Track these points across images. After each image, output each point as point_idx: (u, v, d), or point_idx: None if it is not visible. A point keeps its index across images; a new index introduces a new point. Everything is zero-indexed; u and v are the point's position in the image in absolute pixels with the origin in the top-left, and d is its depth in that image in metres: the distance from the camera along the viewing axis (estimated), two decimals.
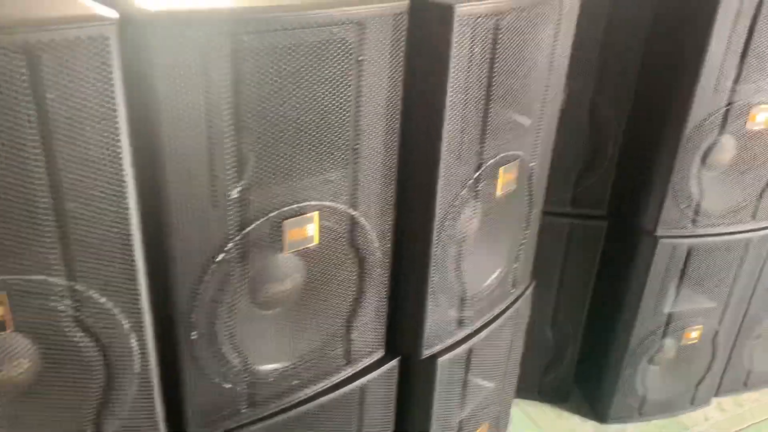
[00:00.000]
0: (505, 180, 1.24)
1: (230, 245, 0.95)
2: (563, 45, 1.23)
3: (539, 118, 1.26)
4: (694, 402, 2.14)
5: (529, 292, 1.52)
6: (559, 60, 1.24)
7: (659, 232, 1.78)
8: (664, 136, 1.72)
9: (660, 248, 1.80)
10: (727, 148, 1.73)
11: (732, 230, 1.84)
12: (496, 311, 1.40)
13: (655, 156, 1.75)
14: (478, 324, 1.36)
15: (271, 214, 0.96)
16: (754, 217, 1.84)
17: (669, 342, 1.99)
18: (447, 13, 0.99)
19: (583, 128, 1.76)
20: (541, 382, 2.14)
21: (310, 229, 1.01)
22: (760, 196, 1.81)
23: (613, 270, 1.98)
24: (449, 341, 1.31)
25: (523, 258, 1.44)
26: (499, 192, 1.23)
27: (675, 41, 1.67)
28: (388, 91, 1.02)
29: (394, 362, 1.26)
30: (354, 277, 1.12)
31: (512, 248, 1.38)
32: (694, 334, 1.99)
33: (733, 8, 1.51)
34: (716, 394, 2.22)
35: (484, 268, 1.32)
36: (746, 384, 2.25)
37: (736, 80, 1.62)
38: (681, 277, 1.89)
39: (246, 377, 1.06)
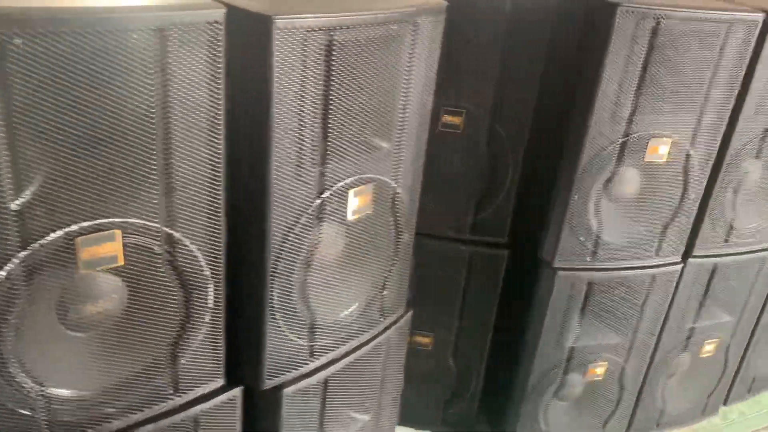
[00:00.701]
0: (359, 204, 1.17)
1: (12, 263, 0.87)
2: (422, 67, 1.17)
3: (398, 141, 1.20)
4: None
5: (403, 321, 1.45)
6: (419, 82, 1.19)
7: (557, 263, 1.73)
8: (561, 166, 1.66)
9: (558, 280, 1.74)
10: (629, 180, 1.68)
11: (635, 264, 1.78)
12: (360, 341, 1.33)
13: (553, 185, 1.70)
14: (336, 354, 1.29)
15: (61, 231, 0.89)
16: (658, 252, 1.79)
17: (574, 377, 1.93)
18: (266, 24, 0.93)
19: (482, 154, 1.71)
20: (445, 413, 2.07)
21: (110, 248, 0.93)
22: (665, 230, 1.76)
23: (516, 300, 1.92)
24: (298, 371, 1.23)
25: (394, 286, 1.37)
26: (351, 216, 1.17)
27: (571, 69, 1.63)
28: (208, 105, 0.95)
29: (235, 392, 1.18)
30: (177, 301, 1.04)
31: (378, 275, 1.32)
32: (599, 370, 1.93)
33: (627, 36, 1.46)
34: None
35: (341, 296, 1.26)
36: (659, 425, 2.19)
37: (633, 111, 1.57)
38: (582, 311, 1.83)
39: (45, 403, 0.98)
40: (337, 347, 1.29)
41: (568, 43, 1.65)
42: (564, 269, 1.73)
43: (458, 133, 1.69)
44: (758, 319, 2.18)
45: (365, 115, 1.11)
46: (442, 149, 1.72)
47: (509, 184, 1.74)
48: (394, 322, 1.43)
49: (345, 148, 1.11)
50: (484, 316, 1.91)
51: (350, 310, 1.29)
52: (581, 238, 1.70)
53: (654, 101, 1.57)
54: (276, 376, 1.22)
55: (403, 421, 2.08)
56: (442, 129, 1.69)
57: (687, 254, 1.87)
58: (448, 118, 1.68)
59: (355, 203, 1.18)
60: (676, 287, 1.90)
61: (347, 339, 1.30)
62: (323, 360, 1.27)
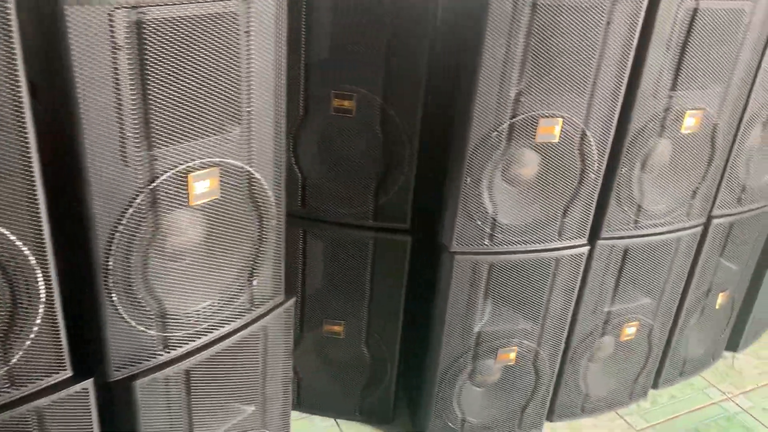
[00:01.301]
0: (202, 189, 1.14)
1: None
2: (265, 48, 1.13)
3: (248, 123, 1.17)
4: (522, 427, 2.05)
5: (283, 309, 1.42)
6: (263, 64, 1.15)
7: (455, 248, 1.70)
8: (453, 149, 1.63)
9: (457, 265, 1.72)
10: (523, 161, 1.65)
11: (537, 248, 1.75)
12: (226, 331, 1.30)
13: (447, 169, 1.66)
14: (195, 345, 1.26)
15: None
16: (561, 235, 1.76)
17: (485, 363, 1.90)
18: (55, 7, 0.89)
19: (377, 138, 1.67)
20: (362, 401, 2.05)
21: None
22: (565, 212, 1.73)
23: (422, 286, 1.89)
24: (151, 363, 1.20)
25: (266, 274, 1.34)
26: (193, 201, 1.13)
27: (457, 49, 1.60)
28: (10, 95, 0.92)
29: (84, 384, 1.16)
30: (3, 295, 1.01)
31: (243, 263, 1.28)
32: (511, 356, 1.90)
33: (505, 16, 1.43)
34: (549, 419, 2.13)
35: (196, 285, 1.22)
36: (583, 409, 2.17)
37: (520, 92, 1.53)
38: (486, 296, 1.80)
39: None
40: (198, 338, 1.26)
41: (455, 23, 1.62)
42: (462, 253, 1.71)
43: (351, 117, 1.66)
44: (682, 300, 2.15)
45: (197, 97, 1.07)
46: (336, 134, 1.69)
47: (407, 169, 1.71)
48: (270, 310, 1.39)
49: (179, 132, 1.08)
50: (392, 303, 1.89)
51: (210, 300, 1.25)
52: (478, 222, 1.67)
53: (541, 81, 1.54)
54: (125, 368, 1.19)
55: (321, 410, 2.06)
56: (334, 113, 1.65)
57: (595, 236, 1.84)
58: (338, 102, 1.64)
59: (202, 188, 1.14)
60: (586, 270, 1.87)
61: (209, 330, 1.27)
62: (180, 351, 1.24)
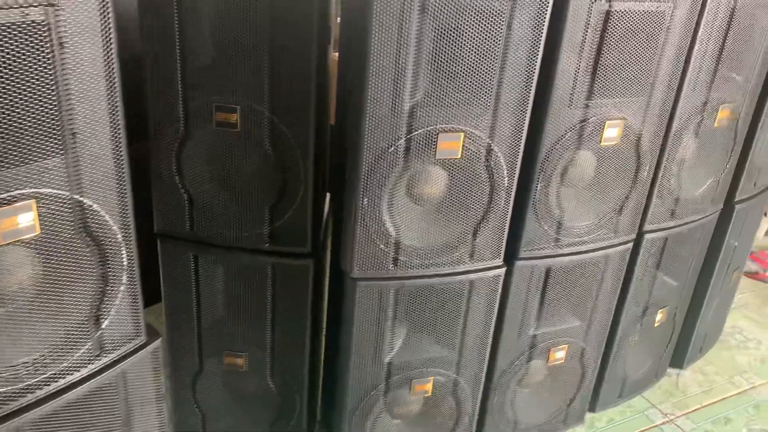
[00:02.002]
0: (24, 223, 0.98)
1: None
2: (78, 57, 0.98)
3: (72, 148, 1.01)
4: None
5: (144, 353, 1.26)
6: (83, 81, 0.99)
7: (357, 274, 1.55)
8: (348, 167, 1.48)
9: (360, 292, 1.57)
10: (427, 179, 1.50)
11: (447, 271, 1.61)
12: (66, 383, 1.14)
13: (344, 187, 1.52)
14: (28, 400, 1.09)
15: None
16: (473, 256, 1.62)
17: (400, 394, 1.76)
18: None
19: (268, 154, 1.52)
20: None
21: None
22: (476, 232, 1.58)
23: (330, 313, 1.74)
24: None
25: (120, 314, 1.18)
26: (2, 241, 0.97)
27: (353, 56, 1.45)
28: None
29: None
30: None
31: (83, 306, 1.12)
32: (427, 386, 1.76)
33: (393, 18, 1.28)
34: None
35: (26, 334, 1.06)
36: None
37: (416, 104, 1.39)
38: (395, 324, 1.65)
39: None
40: (28, 394, 1.10)
41: (349, 28, 1.47)
42: (365, 279, 1.56)
43: (236, 131, 1.50)
44: (616, 320, 2.03)
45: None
46: (222, 151, 1.53)
47: (304, 187, 1.56)
48: (129, 354, 1.23)
49: None
50: (297, 333, 1.74)
51: (42, 351, 1.09)
52: (380, 245, 1.52)
53: (439, 92, 1.40)
54: None
55: None
56: (217, 128, 1.50)
57: (512, 256, 1.70)
58: (221, 116, 1.49)
59: (14, 223, 0.98)
60: (505, 292, 1.73)
61: (43, 384, 1.11)
62: (7, 409, 1.08)
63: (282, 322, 1.72)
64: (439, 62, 1.36)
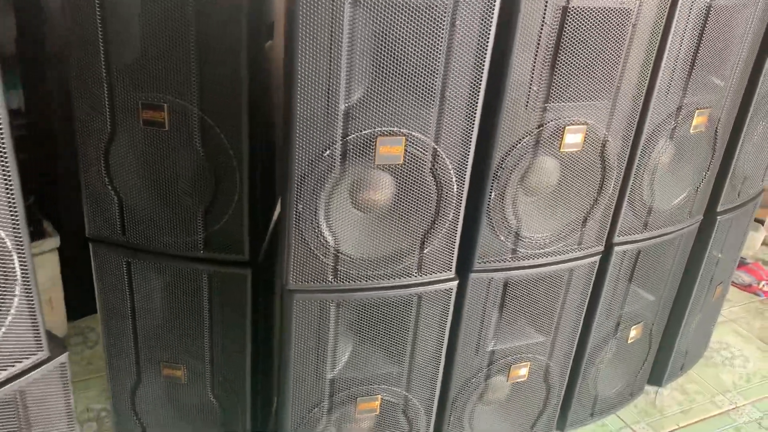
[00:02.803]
0: None
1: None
2: None
3: None
4: None
5: (47, 368, 1.17)
6: None
7: (293, 285, 1.45)
8: (282, 171, 1.38)
9: (298, 304, 1.47)
10: (374, 185, 1.40)
11: (394, 284, 1.50)
12: None
13: (280, 193, 1.41)
14: None
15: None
16: (421, 268, 1.51)
17: (345, 412, 1.65)
18: None
19: (198, 154, 1.42)
20: None
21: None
22: (424, 243, 1.47)
23: (272, 325, 1.64)
24: None
25: (17, 328, 1.09)
26: None
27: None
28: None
29: None
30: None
31: None
32: (374, 404, 1.65)
33: (323, 13, 1.18)
34: None
35: None
36: None
37: (354, 106, 1.28)
38: (338, 338, 1.55)
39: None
40: None
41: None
42: (303, 291, 1.45)
43: (165, 131, 1.41)
44: (585, 336, 1.91)
45: None
46: (151, 151, 1.43)
47: (239, 191, 1.46)
48: (28, 371, 1.14)
49: None
50: (237, 344, 1.64)
51: None
52: (319, 255, 1.42)
53: (378, 93, 1.29)
54: None
55: None
56: (145, 126, 1.40)
57: (466, 268, 1.59)
58: (148, 114, 1.39)
59: None
60: (459, 306, 1.62)
61: None
62: None
63: (221, 334, 1.62)
64: (378, 61, 1.26)
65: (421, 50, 1.27)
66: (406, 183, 1.39)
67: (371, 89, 1.29)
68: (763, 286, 3.07)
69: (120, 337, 1.67)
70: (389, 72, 1.27)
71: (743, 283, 3.10)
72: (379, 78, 1.27)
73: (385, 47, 1.24)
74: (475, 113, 1.37)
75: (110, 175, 1.48)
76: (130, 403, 1.76)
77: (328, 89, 1.26)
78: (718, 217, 2.05)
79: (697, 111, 1.71)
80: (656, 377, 2.32)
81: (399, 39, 1.25)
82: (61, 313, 2.23)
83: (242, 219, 1.49)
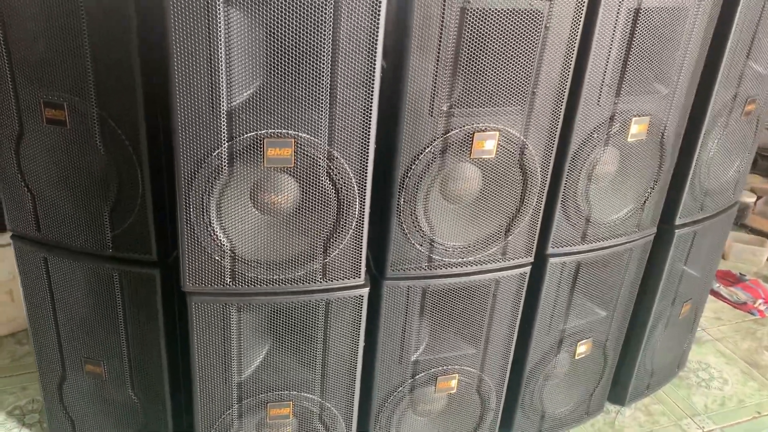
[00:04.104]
0: None
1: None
2: None
3: None
4: None
5: None
6: None
7: (190, 287, 1.44)
8: (174, 171, 1.37)
9: (197, 308, 1.46)
10: (276, 187, 1.38)
11: (297, 288, 1.48)
12: None
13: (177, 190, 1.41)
14: None
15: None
16: (325, 274, 1.49)
17: (261, 416, 1.64)
18: None
19: (99, 153, 1.43)
20: None
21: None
22: (327, 248, 1.45)
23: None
24: None
25: None
26: None
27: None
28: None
29: None
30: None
31: None
32: (286, 411, 1.63)
33: (197, 7, 1.17)
34: None
35: None
36: None
37: (239, 106, 1.27)
38: (242, 343, 1.53)
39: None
40: None
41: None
42: (201, 294, 1.45)
43: (66, 129, 1.42)
44: (523, 350, 1.85)
45: None
46: (56, 149, 1.45)
47: (142, 190, 1.46)
48: None
49: None
50: (153, 344, 1.64)
51: None
52: (215, 257, 1.41)
53: (266, 91, 1.27)
54: None
55: None
56: (48, 125, 1.42)
57: (382, 275, 1.56)
58: (50, 112, 1.41)
59: None
60: (375, 314, 1.59)
61: None
62: None
63: (136, 333, 1.63)
64: (264, 61, 1.24)
65: (306, 49, 1.24)
66: (306, 185, 1.37)
67: (259, 90, 1.27)
68: (760, 304, 2.92)
69: (45, 332, 1.70)
70: (277, 72, 1.25)
71: (738, 300, 2.95)
72: (267, 78, 1.25)
73: (271, 46, 1.22)
74: (370, 116, 1.34)
75: (22, 172, 1.50)
76: (59, 398, 1.78)
77: (211, 90, 1.24)
78: (677, 231, 1.95)
79: (634, 118, 1.63)
80: (618, 396, 2.23)
81: (284, 37, 1.23)
82: (22, 306, 2.27)
83: (147, 218, 1.49)
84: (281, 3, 1.19)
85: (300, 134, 1.32)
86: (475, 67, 1.38)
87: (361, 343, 1.60)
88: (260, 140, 1.31)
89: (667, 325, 2.17)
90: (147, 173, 1.44)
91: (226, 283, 1.44)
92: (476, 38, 1.35)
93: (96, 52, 1.33)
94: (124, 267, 1.54)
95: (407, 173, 1.45)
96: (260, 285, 1.46)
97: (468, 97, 1.41)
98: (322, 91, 1.29)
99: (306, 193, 1.38)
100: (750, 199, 3.82)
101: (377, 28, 1.26)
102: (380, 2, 1.24)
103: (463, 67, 1.37)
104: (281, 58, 1.24)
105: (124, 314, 1.60)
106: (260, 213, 1.40)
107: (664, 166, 1.78)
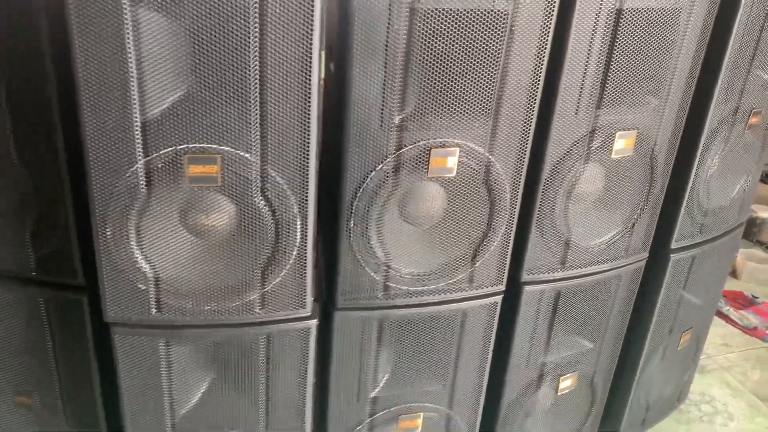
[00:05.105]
0: None
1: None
2: None
3: None
4: None
5: None
6: None
7: (112, 317, 1.30)
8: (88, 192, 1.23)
9: (120, 340, 1.32)
10: (205, 209, 1.23)
11: (230, 321, 1.33)
12: None
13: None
14: None
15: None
16: (264, 305, 1.33)
17: None
18: None
19: (17, 168, 1.29)
20: None
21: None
22: (263, 277, 1.30)
23: None
24: None
25: None
26: None
27: None
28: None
29: None
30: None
31: None
32: None
33: (104, 14, 1.03)
34: None
35: None
36: None
37: (154, 119, 1.12)
38: (173, 374, 1.39)
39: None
40: None
41: None
42: (125, 325, 1.30)
43: None
44: (498, 385, 1.68)
45: None
46: None
47: (65, 210, 1.32)
48: None
49: None
50: (84, 372, 1.49)
51: None
52: (139, 285, 1.26)
53: (195, 103, 1.13)
54: None
55: None
56: None
57: (333, 306, 1.40)
58: None
59: None
60: (328, 348, 1.44)
61: None
62: None
63: (66, 363, 1.49)
64: (191, 67, 1.09)
65: (229, 53, 1.09)
66: (236, 207, 1.22)
67: (179, 101, 1.12)
68: None
69: None
70: (199, 80, 1.11)
71: (748, 325, 2.75)
72: (189, 87, 1.11)
73: (192, 50, 1.07)
74: (309, 128, 1.18)
75: None
76: None
77: (122, 99, 1.10)
78: (672, 256, 1.77)
79: (619, 133, 1.45)
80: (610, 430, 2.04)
81: (202, 40, 1.08)
82: None
83: (72, 240, 1.34)
84: (197, 5, 1.04)
85: (226, 148, 1.16)
86: (430, 74, 1.22)
87: (311, 380, 1.44)
88: (180, 156, 1.15)
89: (664, 355, 1.99)
90: (68, 192, 1.29)
91: (151, 314, 1.29)
92: (430, 42, 1.19)
93: (7, 55, 1.19)
94: (53, 292, 1.41)
95: (357, 193, 1.29)
96: (190, 316, 1.30)
97: (423, 109, 1.25)
98: (251, 100, 1.13)
99: (239, 214, 1.23)
100: (766, 214, 3.60)
101: (312, 26, 1.10)
102: (312, 7, 1.08)
103: (415, 74, 1.21)
104: (202, 64, 1.09)
105: (53, 342, 1.47)
106: (191, 236, 1.25)
107: (655, 185, 1.60)
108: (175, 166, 1.17)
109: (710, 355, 2.55)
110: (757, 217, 3.59)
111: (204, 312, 1.31)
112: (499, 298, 1.53)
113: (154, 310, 1.29)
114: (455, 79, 1.23)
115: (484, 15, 1.20)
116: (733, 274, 3.17)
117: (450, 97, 1.25)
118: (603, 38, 1.33)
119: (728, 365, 2.51)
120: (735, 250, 2.04)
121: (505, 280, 1.52)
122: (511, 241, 1.47)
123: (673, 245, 1.77)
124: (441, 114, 1.26)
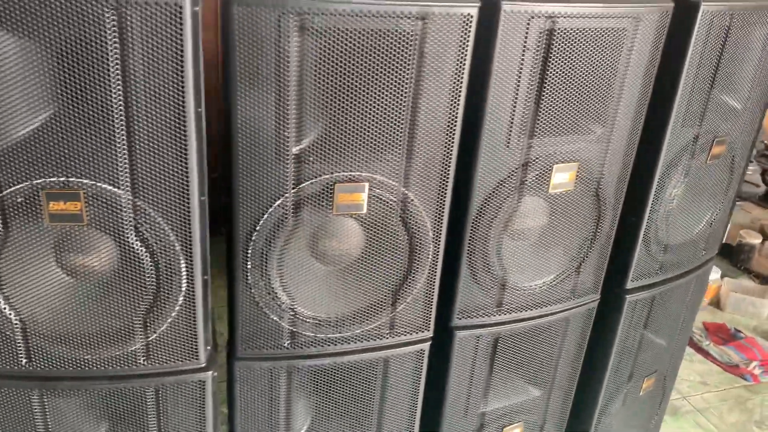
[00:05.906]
0: None
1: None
2: None
3: None
4: None
5: None
6: None
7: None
8: None
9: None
10: (79, 249, 1.10)
11: (116, 373, 1.19)
12: None
13: None
14: None
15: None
16: (148, 357, 1.19)
17: None
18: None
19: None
20: None
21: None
22: (145, 326, 1.15)
23: None
24: None
25: None
26: None
27: None
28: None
29: None
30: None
31: None
32: None
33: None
34: None
35: None
36: None
37: (13, 147, 0.99)
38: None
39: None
40: None
41: None
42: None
43: None
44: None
45: None
46: None
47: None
48: None
49: None
50: None
51: None
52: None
53: (41, 139, 0.99)
54: None
55: None
56: None
57: (232, 354, 1.26)
58: None
59: None
60: (232, 398, 1.29)
61: None
62: None
63: None
64: (48, 93, 0.95)
65: (83, 75, 0.96)
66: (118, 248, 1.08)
67: (36, 129, 0.98)
68: (754, 368, 2.54)
69: None
70: (60, 105, 0.97)
71: (729, 362, 2.58)
72: (49, 113, 0.97)
73: (49, 71, 0.94)
74: (186, 159, 1.05)
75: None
76: None
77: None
78: (627, 297, 1.62)
79: (557, 165, 1.31)
80: None
81: (62, 60, 0.94)
82: None
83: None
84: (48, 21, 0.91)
85: (88, 182, 1.02)
86: (329, 102, 1.08)
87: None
88: (37, 192, 1.02)
89: (625, 402, 1.83)
90: None
91: (20, 365, 1.15)
92: (326, 66, 1.05)
93: None
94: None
95: (253, 231, 1.15)
96: (67, 366, 1.16)
97: (325, 140, 1.11)
98: (115, 126, 1.00)
99: (116, 255, 1.09)
100: (755, 240, 3.43)
101: (181, 39, 0.97)
102: (181, 10, 0.95)
103: (311, 101, 1.07)
104: (58, 87, 0.96)
105: None
106: (66, 276, 1.11)
107: (604, 221, 1.45)
108: (33, 203, 1.03)
109: (686, 395, 2.39)
110: (746, 243, 3.43)
111: (84, 361, 1.17)
112: (426, 345, 1.38)
113: (23, 361, 1.15)
114: (359, 107, 1.09)
115: (388, 36, 1.06)
116: (717, 305, 3.00)
117: (355, 127, 1.11)
118: (533, 62, 1.19)
119: (704, 406, 2.35)
120: (704, 287, 1.89)
121: (432, 325, 1.37)
122: (437, 283, 1.32)
123: (629, 285, 1.62)
124: (346, 145, 1.12)
